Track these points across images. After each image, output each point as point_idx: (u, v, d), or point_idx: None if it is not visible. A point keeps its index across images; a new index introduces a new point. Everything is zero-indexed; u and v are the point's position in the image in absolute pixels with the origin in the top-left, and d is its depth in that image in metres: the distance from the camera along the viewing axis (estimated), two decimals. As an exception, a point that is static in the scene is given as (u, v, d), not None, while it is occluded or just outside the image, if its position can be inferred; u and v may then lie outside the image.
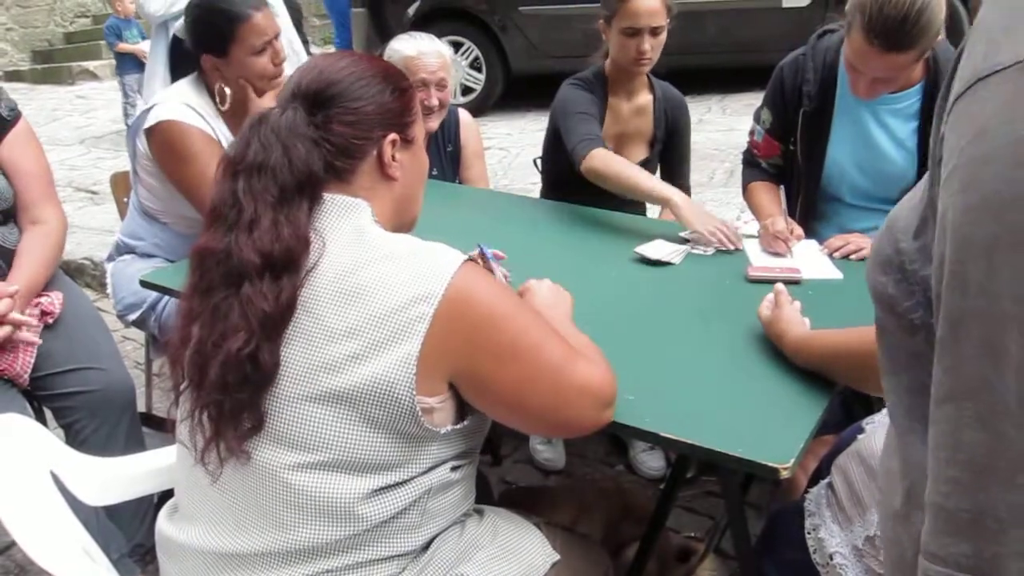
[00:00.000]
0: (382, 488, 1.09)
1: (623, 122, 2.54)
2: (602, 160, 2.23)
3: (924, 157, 2.04)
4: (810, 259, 1.94)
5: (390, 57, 2.53)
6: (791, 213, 2.30)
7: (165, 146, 2.12)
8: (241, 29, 2.09)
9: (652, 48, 2.36)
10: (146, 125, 2.13)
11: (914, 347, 0.72)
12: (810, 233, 2.16)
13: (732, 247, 1.98)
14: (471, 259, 1.14)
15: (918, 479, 0.70)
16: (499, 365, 1.10)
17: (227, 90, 2.15)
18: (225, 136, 2.19)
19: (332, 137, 1.13)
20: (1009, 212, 0.50)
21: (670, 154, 2.59)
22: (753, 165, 2.37)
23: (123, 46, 6.53)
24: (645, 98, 2.54)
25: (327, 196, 1.13)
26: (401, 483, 1.11)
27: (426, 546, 1.18)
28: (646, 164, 2.55)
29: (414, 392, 1.05)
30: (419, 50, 2.47)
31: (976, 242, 0.52)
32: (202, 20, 2.13)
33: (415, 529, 1.14)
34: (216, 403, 1.06)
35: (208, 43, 2.13)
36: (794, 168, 2.26)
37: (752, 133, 2.36)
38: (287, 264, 1.06)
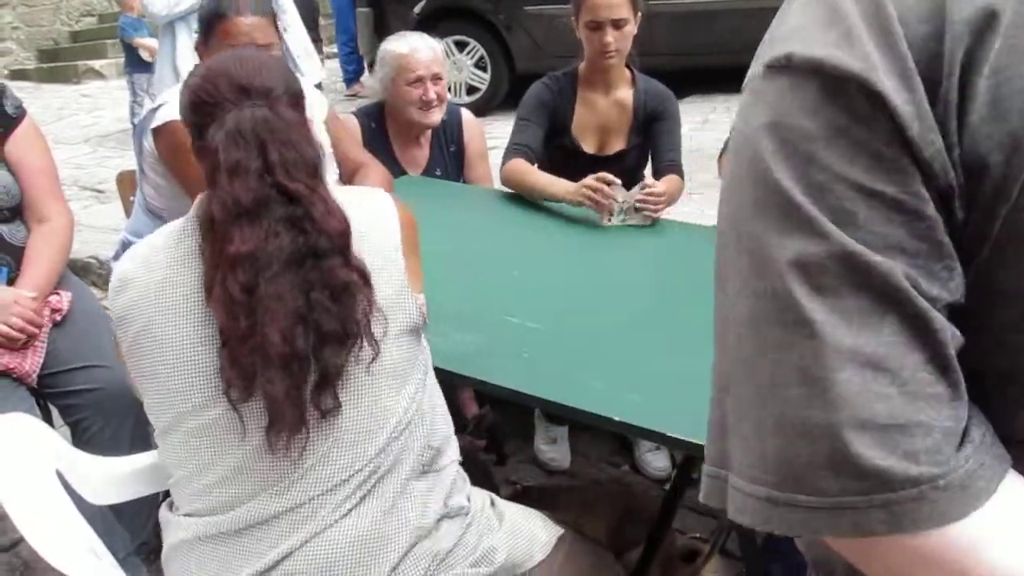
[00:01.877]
0: (396, 392, 1.22)
1: (601, 114, 2.54)
2: (515, 171, 2.43)
3: None
4: None
5: (383, 58, 2.54)
6: None
7: (171, 146, 2.12)
8: (221, 24, 2.11)
9: (616, 40, 2.38)
10: (153, 124, 2.13)
11: None
12: None
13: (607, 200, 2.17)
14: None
15: None
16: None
17: None
18: None
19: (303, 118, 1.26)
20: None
21: (653, 138, 2.56)
22: None
23: (139, 40, 6.54)
24: (625, 92, 2.54)
25: None
26: (406, 387, 1.23)
27: (463, 518, 1.28)
28: (624, 155, 2.56)
29: (411, 292, 1.24)
30: (411, 47, 2.51)
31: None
32: (206, 5, 2.19)
33: (428, 433, 1.26)
34: (293, 380, 1.12)
35: (201, 27, 2.18)
36: None
37: None
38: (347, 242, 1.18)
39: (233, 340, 1.11)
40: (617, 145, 2.57)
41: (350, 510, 1.16)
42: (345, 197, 1.24)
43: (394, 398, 1.20)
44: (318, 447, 1.16)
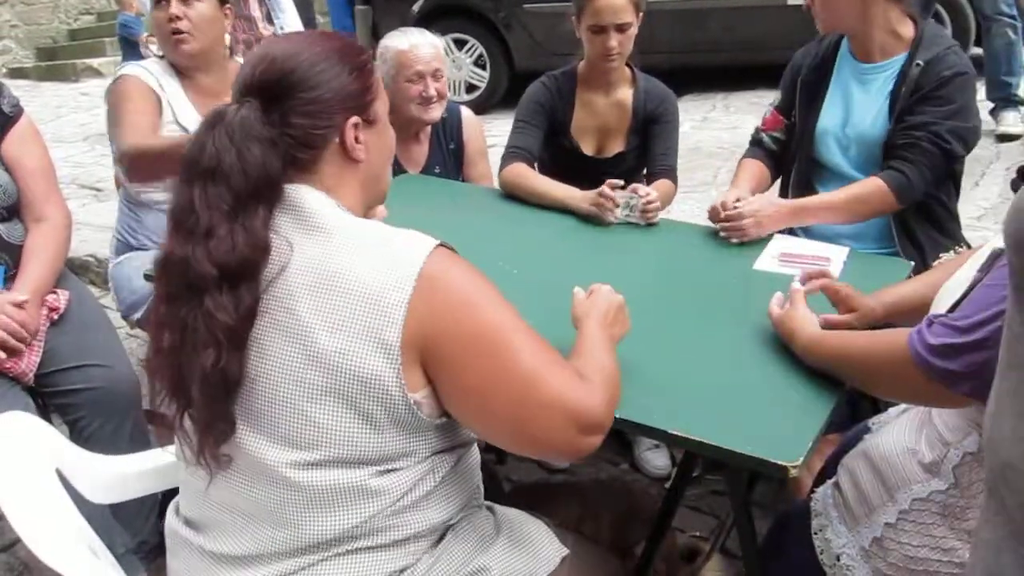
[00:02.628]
0: (387, 471, 1.10)
1: (600, 116, 2.53)
2: (515, 174, 2.39)
3: (893, 117, 2.05)
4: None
5: (383, 54, 2.53)
6: (784, 189, 2.33)
7: (111, 98, 2.25)
8: None
9: (619, 44, 2.37)
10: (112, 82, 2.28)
11: None
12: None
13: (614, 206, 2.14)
14: (443, 245, 1.11)
15: None
16: (464, 355, 1.06)
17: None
18: (178, 100, 2.28)
19: (291, 131, 1.09)
20: None
21: (650, 140, 2.54)
22: (755, 143, 2.38)
23: (147, 37, 6.54)
24: (625, 92, 2.52)
25: (290, 189, 1.10)
26: (405, 468, 1.11)
27: (439, 539, 1.18)
28: (622, 157, 2.54)
29: (404, 384, 1.05)
30: (411, 43, 2.50)
31: None
32: None
33: (425, 508, 1.14)
34: (191, 415, 1.08)
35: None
36: (791, 143, 2.30)
37: (764, 115, 2.39)
38: (244, 274, 1.03)
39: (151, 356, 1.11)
40: (616, 147, 2.56)
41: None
42: (376, 236, 1.10)
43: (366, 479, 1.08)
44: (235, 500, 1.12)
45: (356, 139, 1.15)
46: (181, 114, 2.24)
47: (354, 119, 1.14)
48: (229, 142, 1.05)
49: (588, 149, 2.56)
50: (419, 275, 1.05)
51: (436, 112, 2.53)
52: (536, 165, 2.52)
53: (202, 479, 1.13)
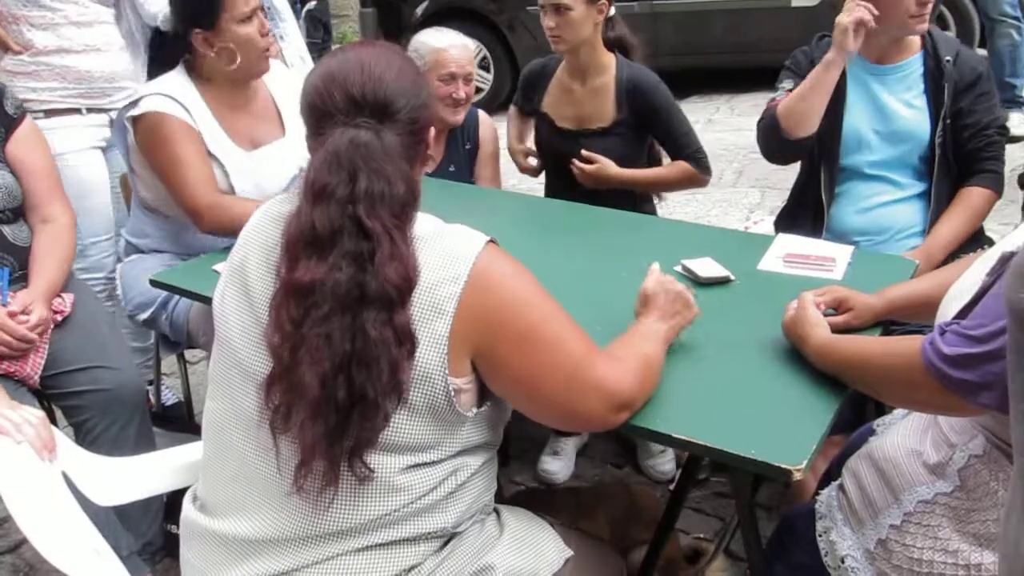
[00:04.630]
0: (416, 465, 1.13)
1: (578, 105, 2.53)
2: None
3: (936, 114, 2.11)
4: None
5: (416, 50, 2.54)
6: (808, 197, 2.27)
7: (147, 136, 2.16)
8: None
9: (558, 26, 2.41)
10: (132, 113, 2.16)
11: None
12: (829, 216, 2.23)
13: None
14: (493, 241, 1.17)
15: None
16: (516, 349, 1.13)
17: (232, 46, 2.15)
18: (207, 123, 2.19)
19: (411, 148, 1.15)
20: None
21: (658, 134, 2.52)
22: (765, 118, 2.26)
23: None
24: (603, 80, 2.48)
25: None
26: (433, 463, 1.14)
27: (448, 540, 1.21)
28: (603, 134, 2.48)
29: (447, 373, 1.10)
30: (448, 43, 2.53)
31: None
32: None
33: (443, 510, 1.17)
34: (334, 426, 1.06)
35: (197, 16, 2.15)
36: (812, 150, 2.24)
37: (772, 98, 2.30)
38: (410, 290, 1.08)
39: (274, 373, 1.08)
40: (595, 125, 2.51)
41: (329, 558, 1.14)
42: (428, 230, 1.14)
43: (399, 476, 1.12)
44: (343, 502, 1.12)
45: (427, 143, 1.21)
46: (212, 143, 2.17)
47: (432, 128, 1.22)
48: (384, 164, 1.09)
49: (565, 124, 2.55)
50: (471, 271, 1.11)
51: (461, 115, 2.58)
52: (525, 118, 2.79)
53: (234, 463, 1.16)
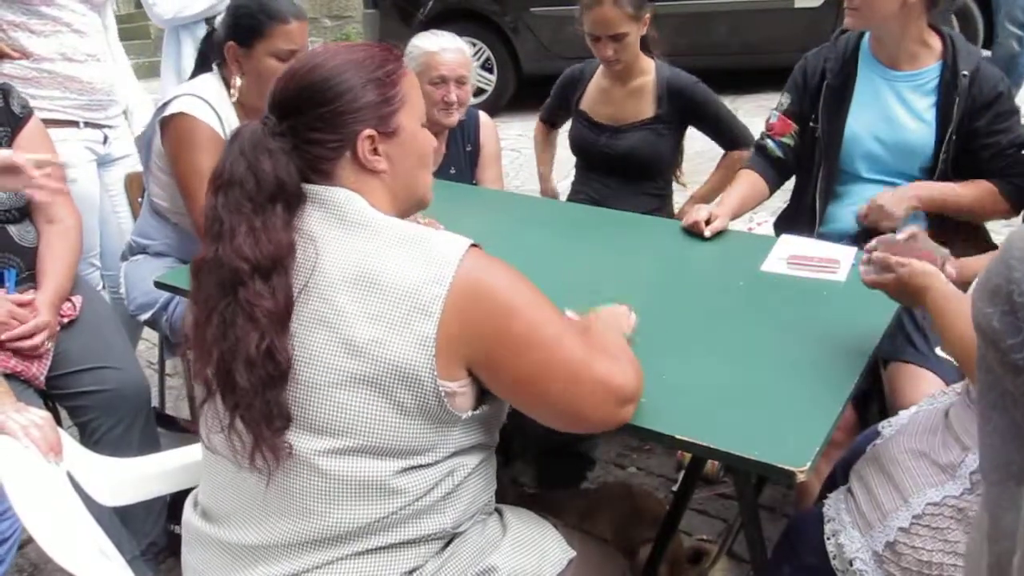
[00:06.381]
0: (410, 468, 1.13)
1: (616, 104, 2.65)
2: (535, 136, 3.03)
3: (943, 130, 2.08)
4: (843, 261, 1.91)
5: (410, 53, 2.55)
6: (806, 198, 2.29)
7: (175, 138, 2.15)
8: (274, 28, 2.10)
9: (615, 52, 2.50)
10: (164, 114, 2.15)
11: (1014, 389, 0.69)
12: (826, 216, 2.23)
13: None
14: (475, 245, 1.15)
15: (1007, 549, 0.68)
16: (515, 355, 1.13)
17: (238, 80, 2.16)
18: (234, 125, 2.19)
19: (305, 144, 1.15)
20: None
21: (707, 129, 2.68)
22: (759, 149, 2.35)
23: None
24: (642, 80, 2.62)
25: (314, 191, 1.15)
26: (428, 465, 1.14)
27: (449, 541, 1.20)
28: (639, 129, 2.61)
29: (436, 375, 1.09)
30: (440, 47, 2.53)
31: None
32: (245, 7, 2.15)
33: (442, 511, 1.17)
34: (247, 406, 1.09)
35: (238, 32, 2.14)
36: (814, 149, 2.25)
37: (767, 119, 2.36)
38: (273, 266, 1.09)
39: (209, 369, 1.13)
40: (633, 118, 2.64)
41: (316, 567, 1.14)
42: (410, 234, 1.14)
43: (394, 479, 1.12)
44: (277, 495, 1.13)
45: (374, 150, 1.18)
46: None
47: (368, 132, 1.17)
48: (241, 155, 1.13)
49: (601, 120, 2.68)
50: (456, 273, 1.09)
51: (455, 117, 2.58)
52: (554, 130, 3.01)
53: (229, 469, 1.15)
